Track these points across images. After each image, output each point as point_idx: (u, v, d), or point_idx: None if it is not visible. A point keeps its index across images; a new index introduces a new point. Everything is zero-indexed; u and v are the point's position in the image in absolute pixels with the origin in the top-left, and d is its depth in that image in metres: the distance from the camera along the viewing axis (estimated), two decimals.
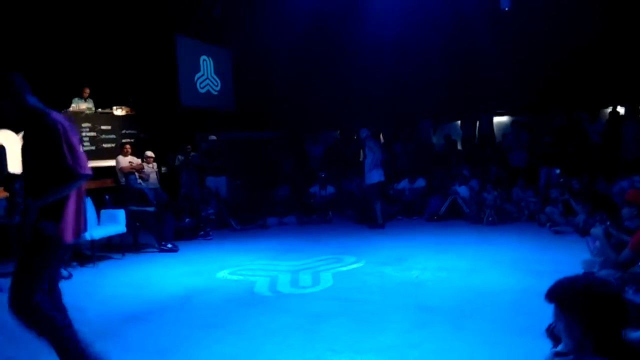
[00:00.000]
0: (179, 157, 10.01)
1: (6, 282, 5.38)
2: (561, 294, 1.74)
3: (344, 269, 5.87)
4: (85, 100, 9.84)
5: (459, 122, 12.88)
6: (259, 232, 8.98)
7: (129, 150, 8.97)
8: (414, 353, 3.38)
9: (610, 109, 10.37)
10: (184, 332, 4.00)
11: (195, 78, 11.93)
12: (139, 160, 9.04)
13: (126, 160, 8.83)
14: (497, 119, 12.75)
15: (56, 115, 2.74)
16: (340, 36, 11.96)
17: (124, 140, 9.78)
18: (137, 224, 7.60)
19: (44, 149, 2.66)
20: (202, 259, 6.85)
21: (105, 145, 9.87)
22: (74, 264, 6.64)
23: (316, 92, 12.69)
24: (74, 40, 9.56)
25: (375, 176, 8.67)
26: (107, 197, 8.19)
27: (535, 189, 9.09)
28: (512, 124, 11.30)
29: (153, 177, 9.16)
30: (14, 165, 8.18)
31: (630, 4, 10.17)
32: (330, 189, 10.17)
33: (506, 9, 11.47)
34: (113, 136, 10.07)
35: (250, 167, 11.43)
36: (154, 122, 10.82)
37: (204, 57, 12.19)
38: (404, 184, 10.06)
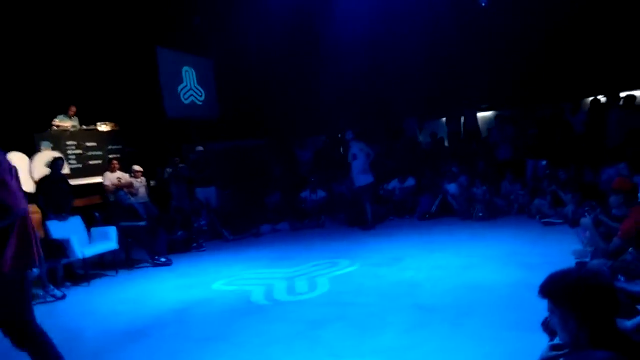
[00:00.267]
0: (168, 169, 9.96)
1: None
2: (554, 288, 1.77)
3: (340, 273, 5.89)
4: (71, 119, 9.77)
5: (444, 119, 12.99)
6: (253, 241, 8.97)
7: (117, 166, 8.92)
8: (415, 353, 3.41)
9: (591, 99, 10.53)
10: (185, 347, 3.99)
11: (179, 89, 11.89)
12: (127, 176, 8.98)
13: (114, 177, 8.76)
14: (482, 114, 12.87)
15: None
16: (320, 39, 11.99)
17: (110, 156, 9.72)
18: (129, 240, 7.56)
19: None
20: (196, 272, 6.83)
21: (91, 162, 9.81)
22: (68, 284, 6.60)
23: (300, 97, 12.73)
24: (55, 58, 9.51)
25: (364, 178, 8.71)
26: (97, 214, 8.14)
27: (523, 181, 9.19)
28: (496, 118, 11.41)
29: (142, 191, 9.10)
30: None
31: None
32: (321, 193, 10.19)
33: (483, 4, 11.65)
34: (99, 152, 10.01)
35: (240, 175, 11.40)
36: (140, 136, 10.77)
37: (186, 68, 12.16)
38: (394, 184, 10.11)
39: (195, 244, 8.44)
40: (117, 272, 7.12)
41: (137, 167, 9.14)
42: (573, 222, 6.74)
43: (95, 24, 9.81)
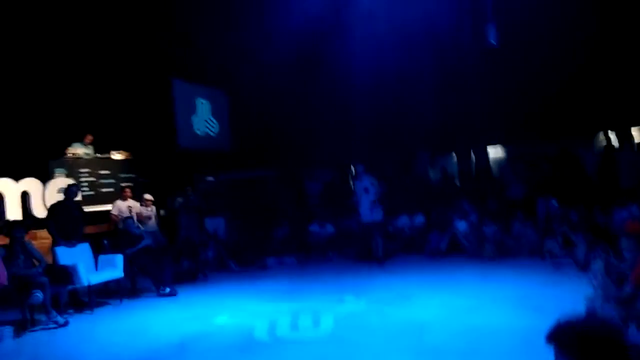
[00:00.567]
0: (179, 199, 10.01)
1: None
2: (561, 335, 1.71)
3: (345, 309, 5.80)
4: (86, 146, 9.91)
5: (454, 154, 12.98)
6: (259, 273, 8.88)
7: (129, 194, 8.99)
8: None
9: (601, 134, 10.50)
10: None
11: (193, 120, 12.08)
12: (138, 204, 9.04)
13: (125, 205, 8.83)
14: (493, 151, 12.84)
15: None
16: (333, 72, 12.16)
17: (122, 184, 9.82)
18: (135, 268, 7.54)
19: None
20: (200, 303, 6.77)
21: (103, 190, 9.89)
22: (71, 310, 6.57)
23: (312, 129, 12.83)
24: (72, 86, 9.76)
25: (374, 213, 8.67)
26: (105, 242, 8.16)
27: (534, 221, 9.06)
28: (508, 156, 11.37)
29: (152, 220, 9.14)
30: (13, 212, 8.20)
31: (612, 33, 10.46)
32: (330, 228, 10.13)
33: (494, 43, 11.78)
34: (112, 180, 10.10)
35: (249, 206, 11.42)
36: (153, 166, 10.88)
37: (200, 99, 12.39)
38: (403, 220, 10.03)
39: (200, 275, 8.39)
40: (121, 301, 7.08)
41: (147, 196, 9.21)
42: (584, 264, 6.60)
43: (114, 55, 10.09)
